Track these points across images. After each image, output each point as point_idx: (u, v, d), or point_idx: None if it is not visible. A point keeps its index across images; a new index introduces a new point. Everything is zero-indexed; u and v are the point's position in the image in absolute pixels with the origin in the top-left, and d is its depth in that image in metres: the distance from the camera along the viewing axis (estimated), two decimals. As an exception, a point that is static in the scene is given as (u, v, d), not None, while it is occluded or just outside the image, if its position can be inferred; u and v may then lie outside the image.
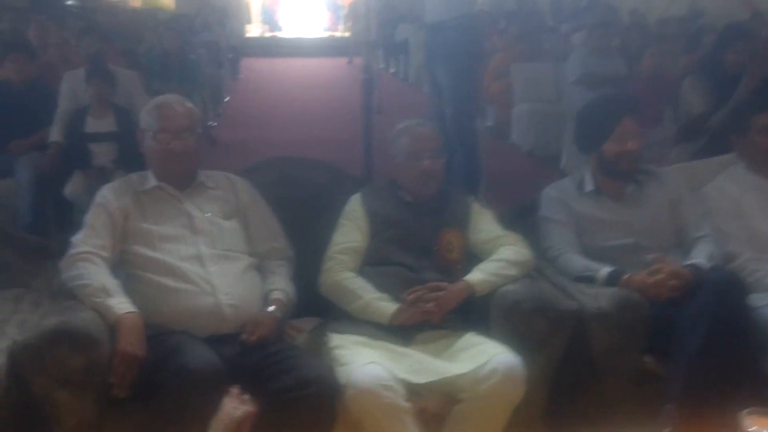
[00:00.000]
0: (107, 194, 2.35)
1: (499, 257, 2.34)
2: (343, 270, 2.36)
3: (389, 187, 2.52)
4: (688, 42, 6.23)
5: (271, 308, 2.27)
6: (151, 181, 2.38)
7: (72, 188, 4.21)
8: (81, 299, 2.12)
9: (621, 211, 2.56)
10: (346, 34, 18.34)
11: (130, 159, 4.31)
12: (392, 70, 14.22)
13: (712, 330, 2.13)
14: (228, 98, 9.92)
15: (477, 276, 2.29)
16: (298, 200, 2.61)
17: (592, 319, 2.19)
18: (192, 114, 2.40)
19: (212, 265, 2.26)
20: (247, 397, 2.05)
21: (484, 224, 2.48)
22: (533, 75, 7.07)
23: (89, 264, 2.19)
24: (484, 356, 2.06)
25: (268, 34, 18.68)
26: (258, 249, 2.41)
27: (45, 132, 4.39)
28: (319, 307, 2.48)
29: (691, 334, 2.15)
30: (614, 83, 5.62)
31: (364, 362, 2.04)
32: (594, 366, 2.22)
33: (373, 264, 2.38)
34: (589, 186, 2.61)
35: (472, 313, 2.31)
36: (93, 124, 4.29)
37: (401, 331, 2.23)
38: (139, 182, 2.40)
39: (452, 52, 3.84)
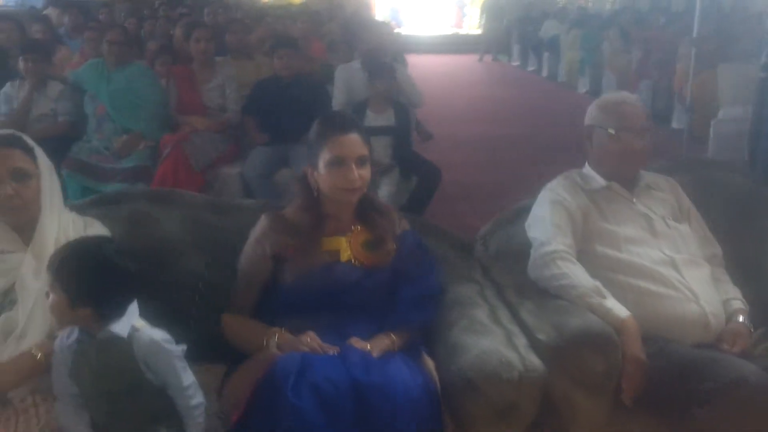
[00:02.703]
0: (562, 192, 2.30)
1: None
2: None
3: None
4: None
5: (741, 318, 2.18)
6: (600, 181, 2.32)
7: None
8: (570, 300, 2.08)
9: None
10: (472, 32, 18.24)
11: (403, 153, 4.40)
12: (531, 68, 14.02)
13: None
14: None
15: None
16: (718, 206, 2.50)
17: None
18: (647, 113, 2.33)
19: (686, 270, 2.18)
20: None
21: None
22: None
23: (569, 264, 2.14)
24: None
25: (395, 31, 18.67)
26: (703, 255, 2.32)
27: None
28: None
29: None
30: None
31: None
32: None
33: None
34: None
35: None
36: (373, 119, 4.32)
37: None
38: (584, 181, 2.35)
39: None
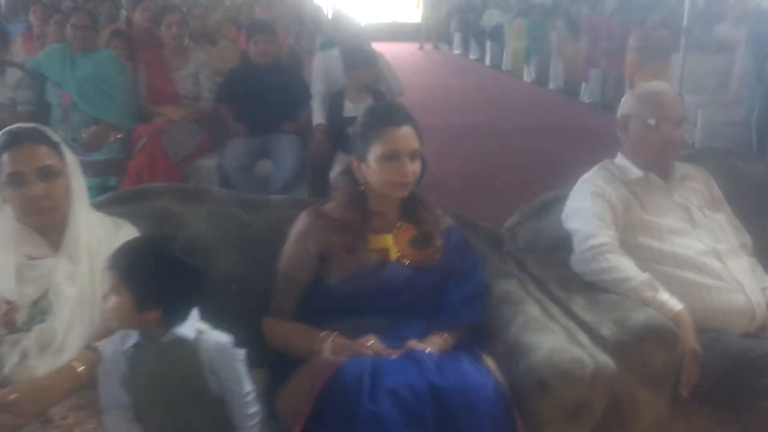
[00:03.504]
0: (601, 184, 2.27)
1: None
2: None
3: None
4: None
5: (780, 307, 2.20)
6: (636, 171, 2.31)
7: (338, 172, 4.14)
8: (622, 293, 2.05)
9: None
10: (410, 20, 18.21)
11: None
12: (473, 57, 14.10)
13: None
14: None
15: None
16: (742, 194, 2.52)
17: None
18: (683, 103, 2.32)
19: (729, 261, 2.19)
20: None
21: None
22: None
23: (618, 256, 2.12)
24: None
25: (331, 17, 18.48)
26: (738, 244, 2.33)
27: (306, 114, 4.33)
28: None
29: None
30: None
31: None
32: None
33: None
34: None
35: None
36: (350, 108, 4.20)
37: None
38: (620, 172, 2.32)
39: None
